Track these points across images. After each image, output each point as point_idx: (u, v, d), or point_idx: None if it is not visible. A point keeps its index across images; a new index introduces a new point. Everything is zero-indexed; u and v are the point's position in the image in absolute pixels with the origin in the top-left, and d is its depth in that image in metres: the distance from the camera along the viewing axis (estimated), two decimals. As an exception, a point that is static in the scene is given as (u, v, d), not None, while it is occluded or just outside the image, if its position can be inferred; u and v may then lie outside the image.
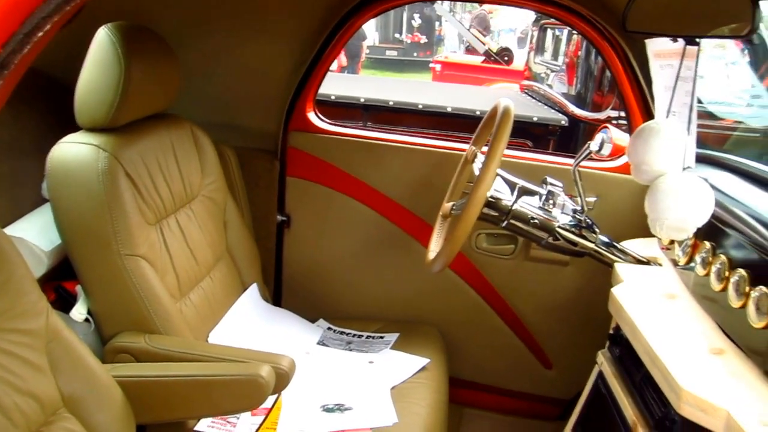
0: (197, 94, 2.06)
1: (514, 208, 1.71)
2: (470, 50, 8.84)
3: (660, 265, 1.72)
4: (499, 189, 1.71)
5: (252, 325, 1.89)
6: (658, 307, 1.47)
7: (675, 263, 1.63)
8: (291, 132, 2.15)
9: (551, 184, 1.74)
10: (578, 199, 1.74)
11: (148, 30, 1.64)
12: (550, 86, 5.04)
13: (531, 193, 1.74)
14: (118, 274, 1.50)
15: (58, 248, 1.60)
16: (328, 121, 2.20)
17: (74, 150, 1.50)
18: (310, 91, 2.13)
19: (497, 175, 1.71)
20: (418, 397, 1.75)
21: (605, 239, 1.76)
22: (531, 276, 2.12)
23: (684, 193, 1.42)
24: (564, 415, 1.73)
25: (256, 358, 1.47)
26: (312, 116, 2.17)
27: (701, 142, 1.63)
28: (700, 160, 1.69)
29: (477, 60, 8.91)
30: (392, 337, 2.04)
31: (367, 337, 2.06)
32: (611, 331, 1.60)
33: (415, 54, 14.70)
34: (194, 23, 2.04)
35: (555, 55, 5.23)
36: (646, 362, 1.32)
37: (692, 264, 1.50)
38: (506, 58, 8.27)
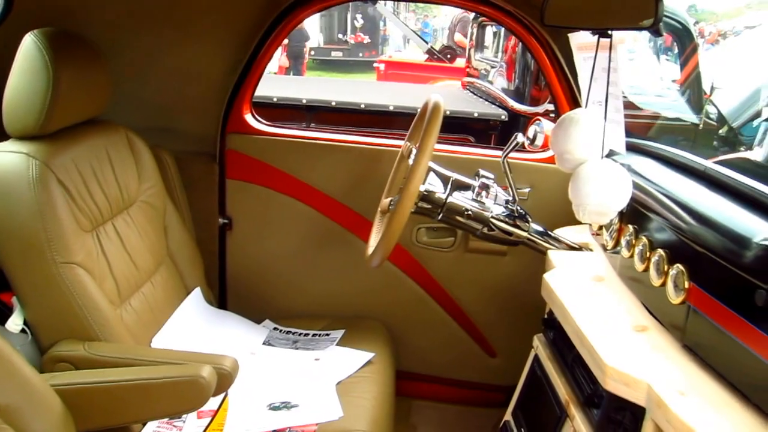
0: (132, 98, 2.05)
1: (448, 201, 1.75)
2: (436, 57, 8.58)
3: (591, 250, 1.79)
4: (432, 183, 1.75)
5: (196, 329, 1.89)
6: (587, 290, 1.53)
7: (604, 248, 1.70)
8: (229, 134, 2.15)
9: (483, 176, 1.79)
10: (510, 189, 1.80)
11: (75, 35, 1.62)
12: (490, 82, 5.12)
13: (464, 185, 1.79)
14: (53, 283, 1.49)
15: (-9, 260, 1.57)
16: (265, 122, 2.21)
17: (3, 159, 1.48)
18: (247, 93, 2.14)
19: (431, 169, 1.76)
20: (363, 391, 1.77)
21: (538, 228, 1.82)
22: (471, 267, 2.17)
23: (603, 179, 1.48)
24: (510, 401, 1.78)
25: (198, 359, 1.48)
26: (249, 118, 2.17)
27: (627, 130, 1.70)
28: (627, 148, 1.76)
29: (420, 59, 8.98)
30: (338, 333, 2.06)
31: (313, 335, 2.07)
32: (545, 316, 1.66)
33: (360, 54, 14.75)
34: (124, 27, 2.02)
35: (496, 52, 5.32)
36: (575, 343, 1.38)
37: (618, 247, 1.56)
38: (449, 56, 8.36)
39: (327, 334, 2.07)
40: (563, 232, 1.86)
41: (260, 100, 2.63)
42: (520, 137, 1.75)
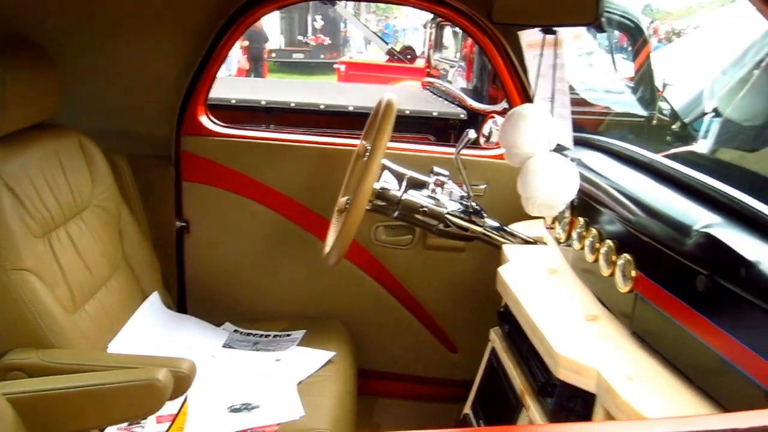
0: (85, 102, 2.02)
1: (403, 198, 1.77)
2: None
3: (545, 243, 1.82)
4: (387, 181, 1.77)
5: (153, 334, 1.87)
6: (540, 283, 1.56)
7: (558, 241, 1.74)
8: (184, 136, 2.13)
9: (438, 173, 1.81)
10: (464, 186, 1.82)
11: (22, 38, 1.60)
12: (450, 82, 5.17)
13: (420, 183, 1.80)
14: (3, 290, 1.46)
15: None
16: (220, 123, 2.20)
17: None
18: (201, 94, 2.12)
19: (385, 167, 1.77)
20: (324, 390, 1.77)
21: (494, 223, 1.85)
22: (430, 264, 2.19)
23: (551, 172, 1.51)
24: (470, 395, 1.80)
25: (154, 363, 1.46)
26: (204, 120, 2.16)
27: (578, 126, 1.74)
28: (577, 142, 1.80)
29: (382, 60, 9.03)
30: (299, 334, 2.06)
31: (274, 336, 2.07)
32: (501, 309, 1.68)
33: (321, 56, 14.74)
34: (76, 30, 2.00)
35: (456, 52, 5.38)
36: (528, 334, 1.40)
37: (571, 240, 1.60)
38: (409, 57, 8.42)
39: (288, 335, 2.06)
40: (518, 227, 1.89)
41: (218, 102, 2.60)
42: (471, 134, 1.78)
